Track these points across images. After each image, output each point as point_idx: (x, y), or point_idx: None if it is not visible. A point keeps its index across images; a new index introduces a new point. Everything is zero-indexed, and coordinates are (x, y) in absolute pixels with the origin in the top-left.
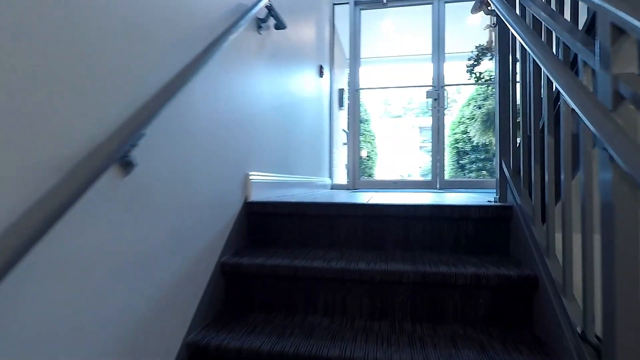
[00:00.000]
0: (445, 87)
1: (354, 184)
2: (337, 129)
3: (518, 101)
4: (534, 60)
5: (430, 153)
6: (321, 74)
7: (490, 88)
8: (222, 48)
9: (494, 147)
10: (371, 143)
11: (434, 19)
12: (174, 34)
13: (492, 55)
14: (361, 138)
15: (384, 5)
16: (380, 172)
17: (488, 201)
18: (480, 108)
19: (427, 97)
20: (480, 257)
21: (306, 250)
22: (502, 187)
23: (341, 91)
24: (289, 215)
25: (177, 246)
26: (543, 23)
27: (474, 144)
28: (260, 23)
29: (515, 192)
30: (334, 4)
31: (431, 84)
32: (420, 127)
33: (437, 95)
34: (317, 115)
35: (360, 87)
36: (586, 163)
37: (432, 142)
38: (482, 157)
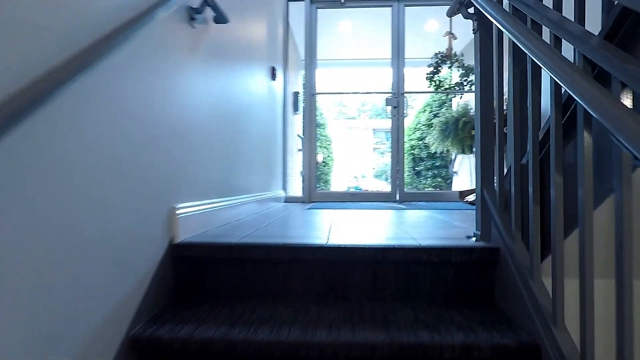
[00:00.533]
0: (405, 95)
1: (309, 196)
2: (292, 134)
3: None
4: (534, 69)
5: (384, 155)
6: (273, 76)
7: (448, 97)
8: (130, 42)
9: (451, 156)
10: (327, 148)
11: (394, 22)
12: (36, 18)
13: (451, 63)
14: (317, 143)
15: (342, 5)
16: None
17: (467, 237)
18: (437, 116)
19: (386, 105)
20: (464, 311)
21: (251, 307)
22: (485, 222)
23: (296, 94)
24: (229, 261)
25: (62, 325)
26: (545, 28)
27: (430, 151)
28: (193, 14)
29: (504, 231)
30: (288, 1)
31: (390, 90)
32: (374, 129)
33: (396, 102)
34: (270, 121)
35: (317, 91)
36: (624, 190)
37: (391, 152)
38: (437, 164)
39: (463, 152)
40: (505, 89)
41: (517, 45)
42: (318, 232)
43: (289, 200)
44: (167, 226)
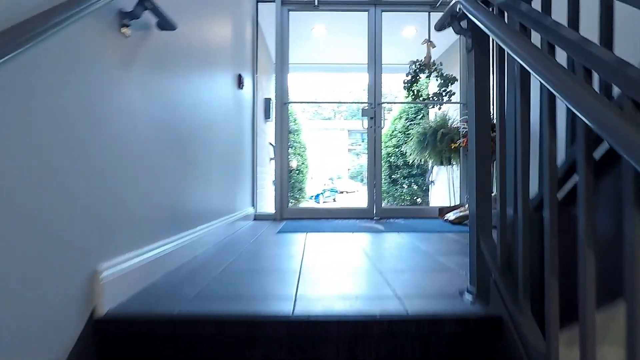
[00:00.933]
0: (383, 105)
1: (281, 213)
2: (263, 144)
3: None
4: (550, 97)
5: (359, 156)
6: (241, 84)
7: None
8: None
9: (428, 165)
10: (302, 155)
11: (370, 27)
12: None
13: (429, 72)
14: (290, 150)
15: (316, 8)
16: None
17: (460, 292)
18: (413, 123)
19: (362, 116)
20: None
21: None
22: (482, 279)
23: (268, 101)
24: (170, 338)
25: None
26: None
27: (407, 159)
28: (125, 19)
29: (507, 297)
30: (258, 1)
31: (366, 100)
32: (349, 130)
33: (373, 113)
34: (236, 133)
35: (289, 100)
36: None
37: (367, 165)
38: (414, 172)
39: (441, 163)
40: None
41: (525, 69)
42: (284, 285)
43: (260, 217)
44: (86, 294)
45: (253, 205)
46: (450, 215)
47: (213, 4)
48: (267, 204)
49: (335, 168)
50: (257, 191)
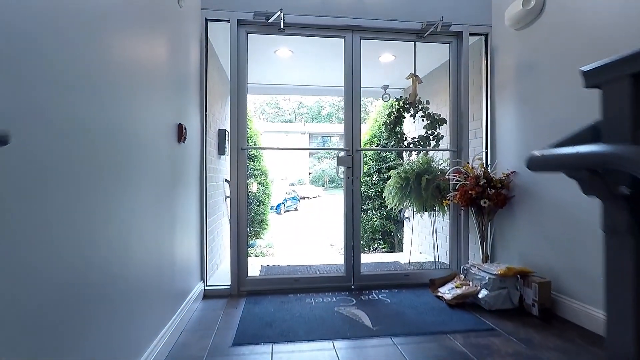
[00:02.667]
0: (362, 151)
1: (238, 285)
2: (216, 187)
3: None
4: None
5: (321, 160)
6: (182, 137)
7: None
8: None
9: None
10: (264, 184)
11: (347, 58)
12: None
13: (415, 111)
14: (250, 180)
15: (280, 32)
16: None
17: None
18: (387, 164)
19: (337, 165)
20: None
21: None
22: None
23: (223, 133)
24: None
25: None
26: None
27: (378, 188)
28: None
29: None
30: (207, 20)
31: (342, 146)
32: (310, 134)
33: (350, 161)
34: (174, 202)
35: (247, 146)
36: None
37: (344, 226)
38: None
39: (424, 210)
40: None
41: None
42: None
43: (211, 294)
44: None
45: (203, 278)
46: (446, 293)
47: (131, 20)
48: (225, 257)
49: (296, 173)
50: (214, 245)
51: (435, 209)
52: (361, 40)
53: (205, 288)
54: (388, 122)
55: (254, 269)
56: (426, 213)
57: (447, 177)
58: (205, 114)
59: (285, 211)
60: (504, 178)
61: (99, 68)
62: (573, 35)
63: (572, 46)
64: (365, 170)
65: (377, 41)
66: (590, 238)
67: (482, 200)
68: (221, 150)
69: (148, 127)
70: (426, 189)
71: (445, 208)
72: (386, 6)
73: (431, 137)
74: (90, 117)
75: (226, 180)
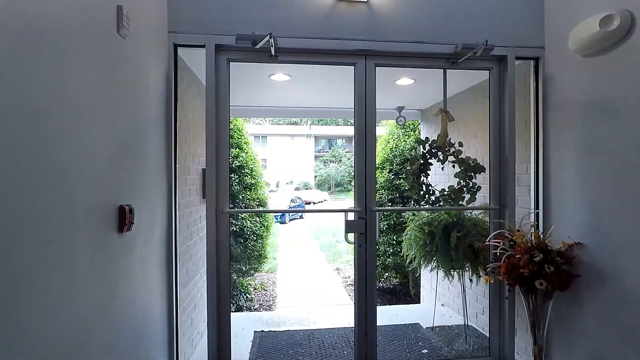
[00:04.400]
0: (377, 211)
1: None
2: (197, 241)
3: None
4: None
5: (327, 164)
6: (125, 225)
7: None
8: None
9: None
10: (261, 216)
11: (358, 92)
12: None
13: (444, 156)
14: (243, 215)
15: (273, 60)
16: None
17: None
18: (400, 178)
19: (346, 232)
20: None
21: None
22: None
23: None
24: None
25: None
26: None
27: (390, 221)
28: None
29: None
30: (177, 46)
31: (353, 207)
32: (315, 136)
33: (363, 227)
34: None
35: (229, 207)
36: None
37: (355, 313)
38: (399, 238)
39: (453, 270)
40: None
41: None
42: None
43: None
44: None
45: (172, 355)
46: None
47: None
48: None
49: (301, 176)
50: (195, 314)
51: (467, 268)
52: (376, 67)
53: None
54: (410, 169)
55: (244, 338)
56: (455, 272)
57: (487, 243)
58: (175, 170)
59: (290, 220)
60: (564, 249)
61: None
62: None
63: None
64: (377, 199)
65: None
66: None
67: (537, 281)
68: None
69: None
70: (456, 249)
71: (480, 271)
72: (408, 26)
73: (465, 188)
74: None
75: None
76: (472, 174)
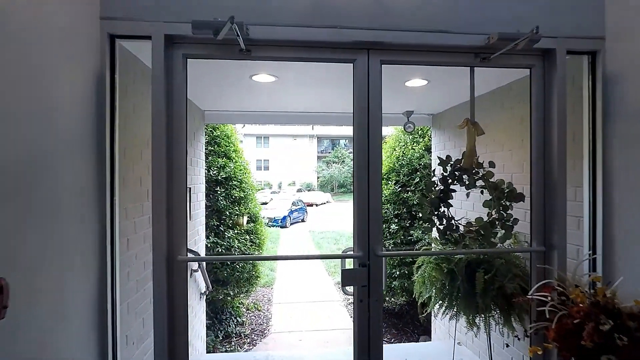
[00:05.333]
0: (386, 257)
1: None
2: None
3: None
4: None
5: (330, 165)
6: None
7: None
8: None
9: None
10: (256, 233)
11: (358, 91)
12: None
13: (471, 180)
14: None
15: (245, 55)
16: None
17: None
18: (408, 189)
19: (342, 285)
20: None
21: None
22: None
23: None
24: None
25: None
26: None
27: (397, 239)
28: None
29: None
30: (114, 37)
31: (352, 250)
32: (318, 136)
33: (365, 277)
34: None
35: (186, 254)
36: None
37: None
38: (404, 271)
39: (477, 315)
40: None
41: None
42: None
43: None
44: None
45: None
46: None
47: None
48: None
49: (303, 177)
50: None
51: (495, 315)
52: (382, 65)
53: None
54: (427, 198)
55: None
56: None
57: (529, 297)
58: (113, 215)
59: (291, 223)
60: (638, 311)
61: None
62: None
63: None
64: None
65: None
66: None
67: (605, 357)
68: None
69: None
70: (484, 295)
71: (514, 321)
72: (424, 11)
73: (497, 222)
74: None
75: (190, 250)
76: (508, 203)
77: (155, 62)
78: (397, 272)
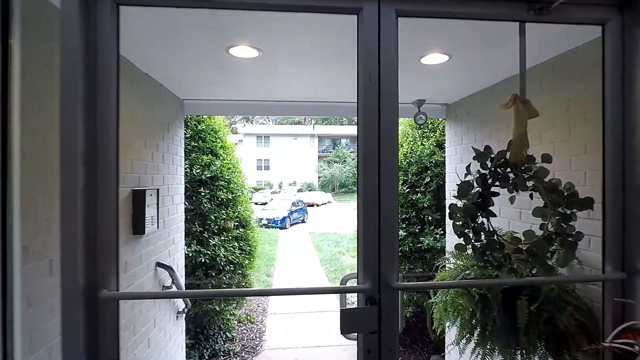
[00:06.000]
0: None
1: None
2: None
3: None
4: None
5: (331, 165)
6: None
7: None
8: None
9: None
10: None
11: (364, 55)
12: None
13: (521, 180)
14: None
15: (202, 2)
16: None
17: None
18: (417, 191)
19: (342, 332)
20: None
21: None
22: None
23: (140, 197)
24: None
25: None
26: None
27: (406, 250)
28: None
29: None
30: None
31: (358, 280)
32: (319, 136)
33: (374, 321)
34: None
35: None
36: None
37: None
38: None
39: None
40: None
41: None
42: None
43: None
44: None
45: None
46: None
47: None
48: None
49: (304, 177)
50: None
51: (541, 351)
52: (398, 17)
53: None
54: (463, 205)
55: None
56: None
57: (607, 345)
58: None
59: (291, 224)
60: None
61: None
62: None
63: None
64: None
65: (425, 26)
66: None
67: None
68: (139, 229)
69: None
70: (530, 333)
71: None
72: None
73: (555, 236)
74: None
75: (161, 264)
76: (570, 211)
77: (64, 12)
78: (408, 298)
